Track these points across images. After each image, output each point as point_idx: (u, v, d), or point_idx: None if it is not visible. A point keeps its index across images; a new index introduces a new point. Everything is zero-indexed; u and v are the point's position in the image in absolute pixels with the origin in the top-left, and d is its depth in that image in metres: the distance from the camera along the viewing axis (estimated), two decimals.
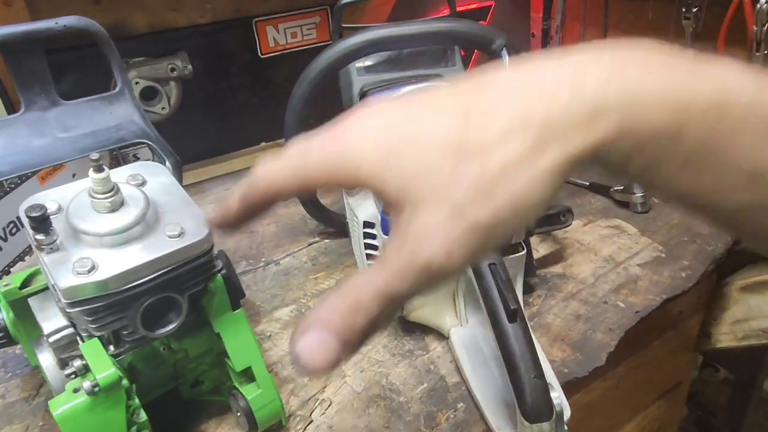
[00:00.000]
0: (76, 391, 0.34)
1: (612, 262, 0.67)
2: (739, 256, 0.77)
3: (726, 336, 0.81)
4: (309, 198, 0.72)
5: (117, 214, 0.37)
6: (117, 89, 0.52)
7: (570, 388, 0.56)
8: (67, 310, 0.36)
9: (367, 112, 0.23)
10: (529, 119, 0.20)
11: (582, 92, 0.20)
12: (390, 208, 0.22)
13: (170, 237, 0.39)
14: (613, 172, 0.22)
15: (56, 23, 0.47)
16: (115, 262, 0.36)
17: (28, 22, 0.48)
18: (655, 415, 0.87)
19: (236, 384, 0.47)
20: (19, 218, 0.68)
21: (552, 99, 0.20)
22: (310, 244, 0.76)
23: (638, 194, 0.76)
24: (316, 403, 0.52)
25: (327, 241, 0.76)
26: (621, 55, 0.21)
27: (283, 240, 0.78)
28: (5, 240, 0.65)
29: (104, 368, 0.34)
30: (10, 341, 0.51)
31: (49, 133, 0.49)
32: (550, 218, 0.63)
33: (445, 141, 0.21)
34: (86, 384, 0.33)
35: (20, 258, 0.68)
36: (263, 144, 1.06)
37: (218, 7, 0.88)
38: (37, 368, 0.57)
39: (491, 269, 0.47)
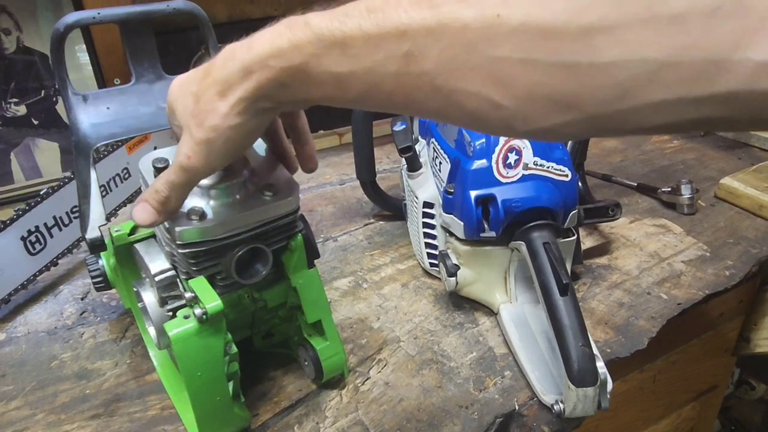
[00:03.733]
0: (186, 317, 0.40)
1: (657, 258, 0.70)
2: None
3: (766, 341, 0.82)
4: (369, 181, 0.77)
5: (224, 172, 0.43)
6: None
7: (609, 372, 0.59)
8: (179, 251, 0.42)
9: (177, 81, 0.38)
10: (215, 80, 0.33)
11: (237, 60, 0.32)
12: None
13: (265, 196, 0.44)
14: (282, 104, 0.34)
15: (167, 6, 0.53)
16: (220, 214, 0.42)
17: (140, 4, 0.54)
18: (689, 416, 0.89)
19: (306, 335, 0.52)
20: (108, 183, 0.75)
21: (224, 66, 0.33)
22: (365, 225, 0.81)
23: (686, 196, 0.78)
24: (373, 362, 0.56)
25: (382, 222, 0.81)
26: (264, 32, 0.32)
27: (341, 220, 0.83)
28: None
29: (212, 300, 0.39)
30: (107, 285, 0.57)
31: (153, 102, 0.55)
32: (599, 211, 0.66)
33: (189, 98, 0.36)
34: (197, 311, 0.39)
35: (107, 219, 0.75)
36: (321, 132, 1.12)
37: (291, 0, 0.95)
38: (126, 313, 0.64)
39: (545, 248, 0.51)
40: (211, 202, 0.43)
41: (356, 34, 0.27)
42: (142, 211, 0.38)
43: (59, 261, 0.69)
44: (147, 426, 0.50)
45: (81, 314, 0.65)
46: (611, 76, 0.22)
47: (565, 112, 0.25)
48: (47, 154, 0.87)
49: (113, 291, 0.67)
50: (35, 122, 0.84)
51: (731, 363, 0.90)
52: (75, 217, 0.70)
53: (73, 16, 0.49)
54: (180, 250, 0.42)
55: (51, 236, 0.67)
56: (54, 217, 0.67)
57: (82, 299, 0.68)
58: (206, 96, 0.34)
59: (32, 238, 0.65)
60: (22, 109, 0.83)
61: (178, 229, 0.41)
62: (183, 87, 0.37)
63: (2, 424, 0.51)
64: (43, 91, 0.83)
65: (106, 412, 0.52)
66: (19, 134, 0.84)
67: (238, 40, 0.34)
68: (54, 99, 0.85)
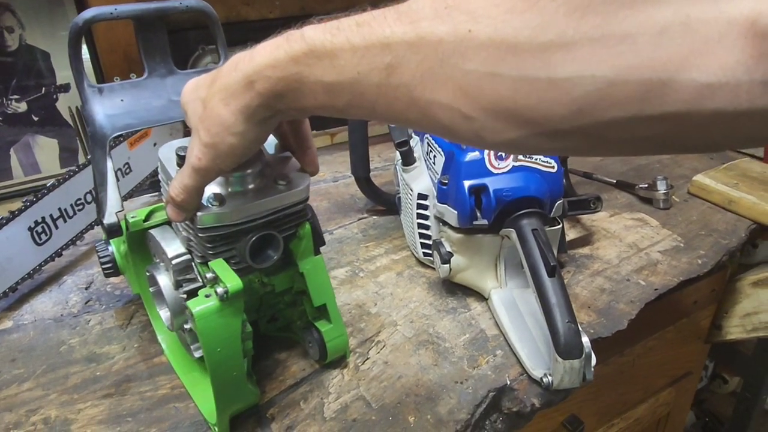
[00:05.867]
0: (208, 296, 0.42)
1: (635, 248, 0.75)
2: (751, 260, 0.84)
3: (736, 328, 0.87)
4: (364, 178, 0.80)
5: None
6: (221, 64, 0.61)
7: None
8: (198, 235, 0.45)
9: (189, 84, 0.41)
10: (220, 89, 0.35)
11: (240, 70, 0.34)
12: None
13: (280, 185, 0.47)
14: (281, 113, 0.36)
15: (180, 3, 0.56)
16: (238, 200, 0.45)
17: (153, 1, 0.57)
18: (665, 401, 0.94)
19: (311, 319, 0.55)
20: None
21: (229, 75, 0.35)
22: (359, 219, 0.84)
23: (661, 192, 0.83)
24: (372, 344, 0.60)
25: (375, 217, 0.85)
26: (265, 44, 0.34)
27: (335, 215, 0.86)
28: None
29: (232, 279, 0.42)
30: (116, 272, 0.60)
31: (165, 96, 0.58)
32: (582, 203, 0.70)
33: (198, 103, 0.38)
34: (219, 290, 0.42)
35: None
36: (313, 132, 1.15)
37: (287, 3, 0.98)
38: (131, 302, 0.66)
39: (534, 233, 0.55)
40: (229, 189, 0.45)
41: (344, 46, 0.29)
42: (171, 211, 0.43)
43: (63, 252, 0.71)
44: (158, 404, 0.53)
45: (86, 303, 0.67)
46: (567, 92, 0.23)
47: (527, 125, 0.25)
48: (46, 150, 0.89)
49: (117, 281, 0.70)
50: (35, 119, 0.86)
51: (704, 350, 0.95)
52: (79, 209, 0.72)
53: (91, 12, 0.52)
54: (199, 234, 0.45)
55: (56, 227, 0.69)
56: (59, 209, 0.69)
57: (86, 289, 0.70)
58: (212, 102, 0.36)
59: (39, 228, 0.67)
60: (22, 106, 0.85)
61: (198, 214, 0.44)
62: (194, 92, 0.39)
63: (16, 404, 0.53)
64: (43, 89, 0.85)
65: (118, 392, 0.54)
66: (19, 131, 0.86)
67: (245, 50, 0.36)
68: (54, 96, 0.87)
